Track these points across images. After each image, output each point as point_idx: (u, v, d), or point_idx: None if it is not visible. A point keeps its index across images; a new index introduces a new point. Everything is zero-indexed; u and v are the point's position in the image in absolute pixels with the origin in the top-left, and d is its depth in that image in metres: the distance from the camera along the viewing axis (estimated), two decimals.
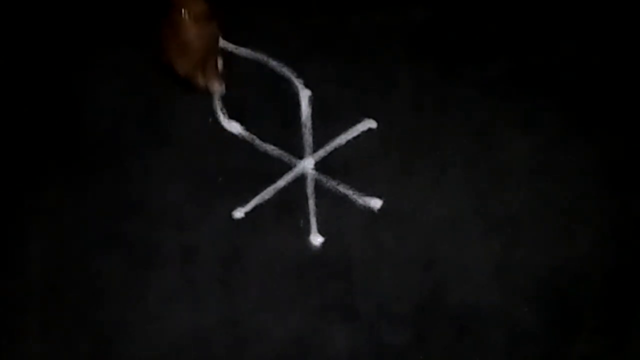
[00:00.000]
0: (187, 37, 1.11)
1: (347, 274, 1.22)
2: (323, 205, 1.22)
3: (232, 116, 1.24)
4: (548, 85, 1.25)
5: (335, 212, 1.22)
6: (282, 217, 1.23)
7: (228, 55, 1.22)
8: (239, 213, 1.22)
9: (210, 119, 1.24)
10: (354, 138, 1.24)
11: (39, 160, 1.24)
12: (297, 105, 1.24)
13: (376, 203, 1.22)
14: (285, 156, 1.23)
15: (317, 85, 1.24)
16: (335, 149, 1.24)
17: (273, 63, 1.24)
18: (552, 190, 1.23)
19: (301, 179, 1.23)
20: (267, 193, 1.23)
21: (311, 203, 1.23)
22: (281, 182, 1.23)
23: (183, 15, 1.09)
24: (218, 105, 1.24)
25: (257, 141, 1.24)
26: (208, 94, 1.19)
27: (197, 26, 1.11)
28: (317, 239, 1.22)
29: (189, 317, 1.21)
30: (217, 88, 1.18)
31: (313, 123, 1.24)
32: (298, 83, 1.24)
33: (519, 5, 1.26)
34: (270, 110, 1.24)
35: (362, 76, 1.25)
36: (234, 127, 1.24)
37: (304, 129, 1.24)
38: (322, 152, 1.23)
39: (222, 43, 1.25)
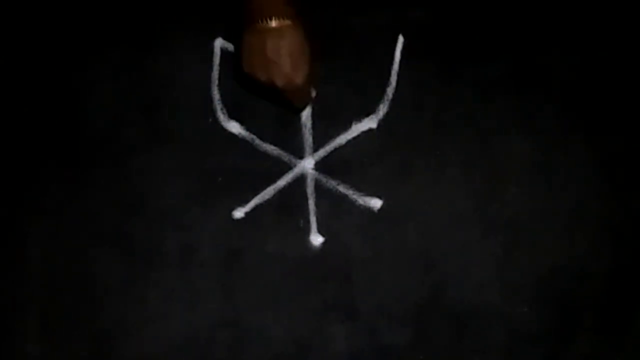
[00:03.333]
0: (297, 43, 1.00)
1: (347, 274, 1.22)
2: (323, 205, 1.22)
3: (232, 116, 1.24)
4: (548, 85, 1.25)
5: (335, 212, 1.22)
6: (282, 217, 1.23)
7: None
8: (239, 213, 1.22)
9: (210, 119, 1.24)
10: (354, 138, 1.24)
11: (38, 160, 1.23)
12: None
13: (376, 203, 1.22)
14: (285, 156, 1.23)
15: (317, 85, 1.24)
16: (335, 149, 1.24)
17: None
18: (552, 190, 1.23)
19: (301, 179, 1.23)
20: (267, 193, 1.23)
21: (311, 203, 1.23)
22: (281, 182, 1.23)
23: (278, 23, 0.98)
24: (218, 105, 1.24)
25: (257, 141, 1.24)
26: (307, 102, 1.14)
27: (299, 27, 0.99)
28: (317, 239, 1.22)
29: (189, 317, 1.21)
30: (314, 91, 1.11)
31: (313, 123, 1.24)
32: None
33: (519, 5, 1.26)
34: (270, 110, 1.24)
35: (362, 76, 1.25)
36: (234, 127, 1.24)
37: (304, 129, 1.24)
38: (322, 152, 1.23)
39: (222, 43, 1.25)
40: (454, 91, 1.25)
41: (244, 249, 1.22)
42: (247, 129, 1.24)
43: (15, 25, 1.26)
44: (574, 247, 1.22)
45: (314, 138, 1.24)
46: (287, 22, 1.00)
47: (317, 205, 1.23)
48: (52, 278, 1.21)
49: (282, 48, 1.00)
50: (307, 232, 1.22)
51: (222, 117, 1.24)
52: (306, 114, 1.24)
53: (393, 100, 1.24)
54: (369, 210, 1.23)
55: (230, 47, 1.25)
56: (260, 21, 1.00)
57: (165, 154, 1.24)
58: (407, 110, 1.25)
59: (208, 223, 1.22)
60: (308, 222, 1.22)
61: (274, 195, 1.23)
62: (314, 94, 1.16)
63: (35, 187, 1.23)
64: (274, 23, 0.99)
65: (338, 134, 1.24)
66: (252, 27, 1.02)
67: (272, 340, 1.21)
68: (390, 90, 1.24)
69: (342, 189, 1.23)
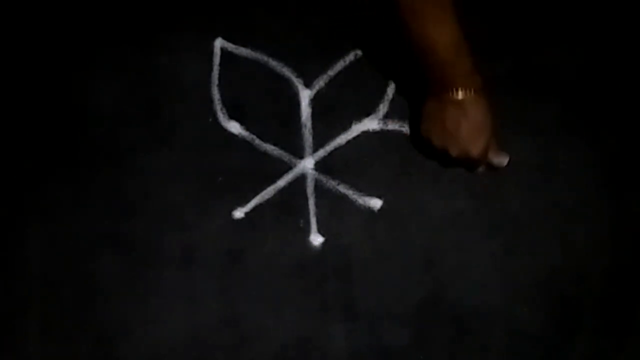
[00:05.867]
0: (479, 116, 0.97)
1: (347, 274, 1.22)
2: (323, 205, 1.22)
3: (232, 116, 1.24)
4: (548, 85, 1.25)
5: (335, 212, 1.22)
6: (282, 217, 1.23)
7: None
8: (239, 213, 1.22)
9: (210, 119, 1.24)
10: (354, 138, 1.24)
11: (39, 160, 1.24)
12: (297, 105, 1.24)
13: (376, 203, 1.22)
14: (285, 156, 1.23)
15: (317, 85, 1.24)
16: (335, 149, 1.24)
17: (273, 63, 1.24)
18: (552, 190, 1.23)
19: (301, 179, 1.23)
20: (267, 193, 1.23)
21: (311, 203, 1.23)
22: (281, 182, 1.23)
23: (463, 95, 0.95)
24: (218, 105, 1.24)
25: (257, 141, 1.24)
26: (493, 169, 1.04)
27: (483, 99, 0.96)
28: (317, 239, 1.22)
29: (189, 317, 1.21)
30: (505, 158, 1.03)
31: (313, 123, 1.24)
32: (298, 83, 1.24)
33: (520, 5, 1.26)
34: (270, 110, 1.24)
35: (362, 76, 1.25)
36: (234, 127, 1.24)
37: (304, 129, 1.24)
38: (322, 152, 1.23)
39: (222, 43, 1.25)
40: None
41: (244, 249, 1.22)
42: (247, 129, 1.24)
43: (15, 25, 1.26)
44: (574, 248, 1.22)
45: (314, 138, 1.24)
46: (472, 94, 0.96)
47: (317, 205, 1.23)
48: (52, 278, 1.21)
49: (463, 121, 0.97)
50: (307, 232, 1.22)
51: (222, 117, 1.24)
52: (306, 114, 1.24)
53: (393, 100, 1.24)
54: (369, 210, 1.23)
55: (230, 47, 1.25)
56: (445, 92, 0.96)
57: (165, 154, 1.24)
58: (407, 110, 1.25)
59: (208, 223, 1.22)
60: (308, 222, 1.22)
61: (274, 195, 1.23)
62: (505, 161, 1.08)
63: (35, 187, 1.23)
64: (459, 95, 0.96)
65: (338, 134, 1.24)
66: (435, 94, 0.97)
67: (272, 340, 1.21)
68: (390, 90, 1.24)
69: (342, 189, 1.23)
